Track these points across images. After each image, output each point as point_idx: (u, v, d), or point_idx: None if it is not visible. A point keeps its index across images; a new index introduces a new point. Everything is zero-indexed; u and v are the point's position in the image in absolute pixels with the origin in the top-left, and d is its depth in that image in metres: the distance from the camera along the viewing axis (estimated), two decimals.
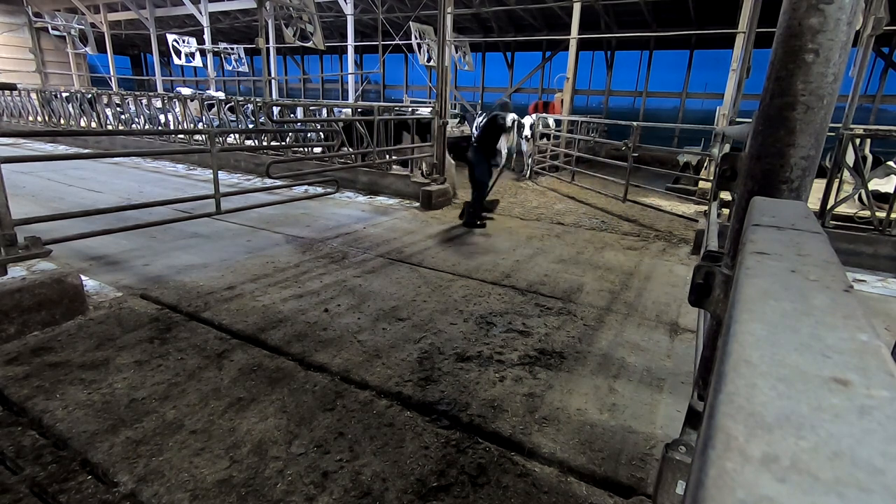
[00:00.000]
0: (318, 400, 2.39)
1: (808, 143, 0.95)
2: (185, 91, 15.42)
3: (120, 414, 2.21)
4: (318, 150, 8.55)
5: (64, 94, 12.51)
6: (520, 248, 5.19)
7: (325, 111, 9.36)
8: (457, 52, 13.79)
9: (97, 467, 1.89)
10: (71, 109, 12.30)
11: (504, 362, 2.84)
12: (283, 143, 8.76)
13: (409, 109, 8.78)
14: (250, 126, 9.93)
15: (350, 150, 7.92)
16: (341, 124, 8.03)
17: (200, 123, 10.80)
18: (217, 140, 5.86)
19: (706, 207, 5.95)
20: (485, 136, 5.84)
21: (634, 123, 7.34)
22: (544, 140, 10.41)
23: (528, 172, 10.16)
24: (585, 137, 10.58)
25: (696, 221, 5.79)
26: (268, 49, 11.47)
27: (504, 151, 10.79)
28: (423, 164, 7.45)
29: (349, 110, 8.97)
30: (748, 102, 9.57)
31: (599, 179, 8.55)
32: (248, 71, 18.52)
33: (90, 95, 11.93)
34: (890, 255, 4.79)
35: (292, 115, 9.05)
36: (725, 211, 5.60)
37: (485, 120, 5.90)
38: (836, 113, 1.50)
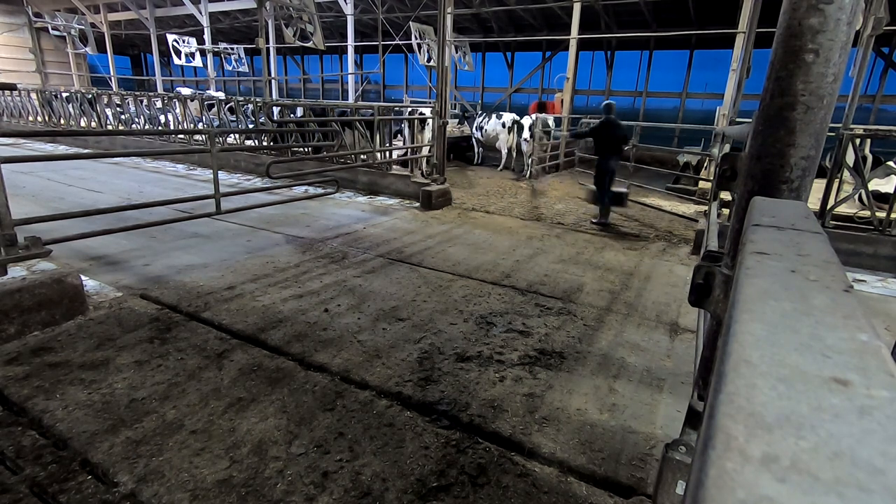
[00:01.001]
0: (318, 400, 2.39)
1: (808, 143, 0.95)
2: (185, 91, 15.43)
3: (120, 414, 2.21)
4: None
5: (64, 94, 12.51)
6: (520, 248, 5.19)
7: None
8: (457, 52, 13.79)
9: (97, 467, 1.89)
10: (71, 109, 12.31)
11: (504, 362, 2.84)
12: (283, 144, 8.76)
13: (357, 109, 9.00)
14: (250, 126, 9.94)
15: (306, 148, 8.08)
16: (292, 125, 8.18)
17: (200, 123, 10.80)
18: (217, 140, 5.87)
19: (706, 207, 5.95)
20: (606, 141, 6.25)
21: (635, 124, 7.35)
22: (544, 140, 10.41)
23: (528, 172, 10.16)
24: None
25: (696, 221, 5.80)
26: (268, 49, 11.48)
27: (504, 151, 10.77)
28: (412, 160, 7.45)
29: (301, 109, 9.13)
30: (748, 102, 9.58)
31: None
32: (248, 71, 18.53)
33: (90, 95, 11.93)
34: (890, 255, 4.79)
35: (292, 116, 9.05)
36: (725, 211, 5.60)
37: (602, 126, 6.24)
38: (836, 113, 1.50)
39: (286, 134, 7.93)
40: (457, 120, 12.95)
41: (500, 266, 4.54)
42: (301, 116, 8.70)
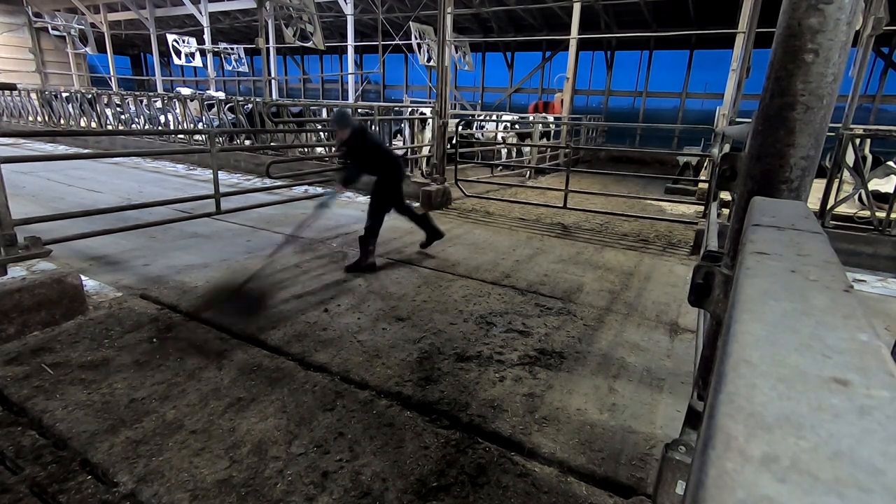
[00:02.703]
0: (318, 400, 2.39)
1: (807, 143, 0.95)
2: (185, 91, 15.43)
3: (120, 414, 2.21)
4: (318, 149, 8.56)
5: (64, 94, 12.51)
6: (520, 248, 5.19)
7: (324, 111, 9.38)
8: (457, 52, 13.79)
9: (97, 467, 1.89)
10: (71, 109, 12.31)
11: (504, 362, 2.84)
12: (284, 144, 8.77)
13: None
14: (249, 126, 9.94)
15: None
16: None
17: (200, 123, 10.81)
18: (217, 140, 5.87)
19: (706, 208, 5.95)
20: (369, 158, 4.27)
21: (635, 125, 7.35)
22: (544, 140, 10.42)
23: (529, 173, 10.16)
24: (586, 146, 10.59)
25: (696, 223, 5.80)
26: (268, 49, 11.47)
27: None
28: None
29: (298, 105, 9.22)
30: (748, 102, 9.59)
31: (600, 179, 8.55)
32: (248, 71, 18.53)
33: (90, 95, 11.94)
34: (890, 255, 4.79)
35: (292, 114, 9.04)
36: (725, 211, 5.60)
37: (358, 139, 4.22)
38: (836, 113, 1.50)
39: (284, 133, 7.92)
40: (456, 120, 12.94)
41: (499, 266, 4.54)
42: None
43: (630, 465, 2.06)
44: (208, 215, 4.44)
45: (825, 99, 0.93)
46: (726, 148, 5.23)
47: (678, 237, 5.94)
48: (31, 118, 13.51)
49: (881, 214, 4.82)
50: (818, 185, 4.59)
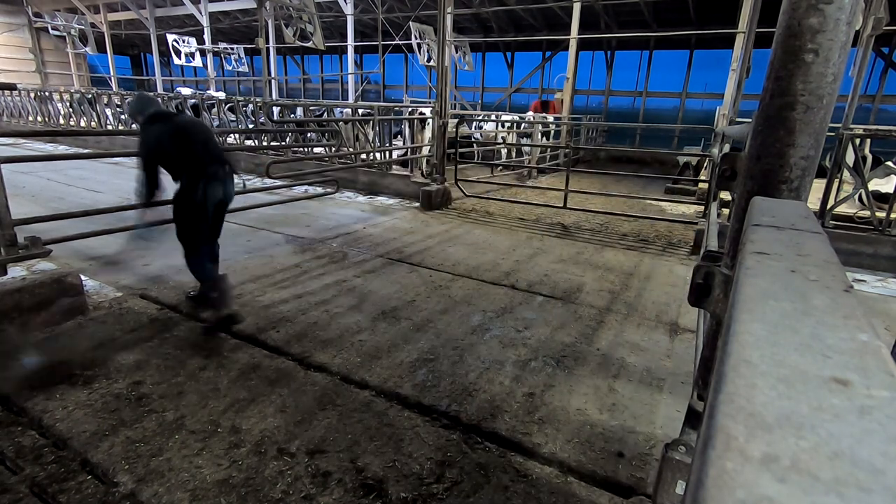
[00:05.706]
0: (318, 400, 2.39)
1: (807, 143, 0.95)
2: (186, 91, 15.42)
3: (120, 414, 2.21)
4: (318, 150, 8.56)
5: (64, 95, 12.51)
6: (520, 248, 5.19)
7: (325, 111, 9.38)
8: (457, 52, 13.78)
9: (97, 467, 1.89)
10: (70, 109, 12.30)
11: (504, 362, 2.84)
12: (284, 143, 8.77)
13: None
14: (250, 126, 9.95)
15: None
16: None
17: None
18: (217, 140, 5.86)
19: (706, 208, 5.95)
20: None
21: (635, 125, 7.34)
22: (545, 139, 10.41)
23: (529, 173, 10.16)
24: (586, 146, 10.58)
25: (696, 223, 5.79)
26: (268, 49, 11.47)
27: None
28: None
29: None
30: (748, 102, 9.58)
31: (600, 179, 8.55)
32: (248, 71, 18.52)
33: (90, 95, 11.93)
34: (890, 255, 4.79)
35: (292, 116, 9.05)
36: (725, 211, 5.60)
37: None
38: (836, 113, 1.50)
39: (286, 134, 7.93)
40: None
41: (499, 266, 4.54)
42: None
43: (630, 465, 2.06)
44: None
45: (825, 99, 0.93)
46: (726, 148, 5.23)
47: (678, 237, 5.93)
48: (30, 118, 13.50)
49: (881, 214, 4.82)
50: (818, 185, 4.59)
